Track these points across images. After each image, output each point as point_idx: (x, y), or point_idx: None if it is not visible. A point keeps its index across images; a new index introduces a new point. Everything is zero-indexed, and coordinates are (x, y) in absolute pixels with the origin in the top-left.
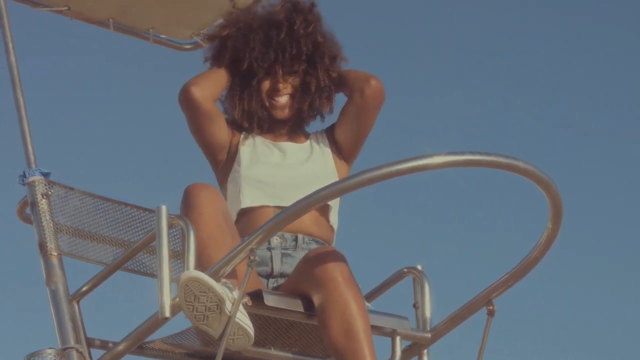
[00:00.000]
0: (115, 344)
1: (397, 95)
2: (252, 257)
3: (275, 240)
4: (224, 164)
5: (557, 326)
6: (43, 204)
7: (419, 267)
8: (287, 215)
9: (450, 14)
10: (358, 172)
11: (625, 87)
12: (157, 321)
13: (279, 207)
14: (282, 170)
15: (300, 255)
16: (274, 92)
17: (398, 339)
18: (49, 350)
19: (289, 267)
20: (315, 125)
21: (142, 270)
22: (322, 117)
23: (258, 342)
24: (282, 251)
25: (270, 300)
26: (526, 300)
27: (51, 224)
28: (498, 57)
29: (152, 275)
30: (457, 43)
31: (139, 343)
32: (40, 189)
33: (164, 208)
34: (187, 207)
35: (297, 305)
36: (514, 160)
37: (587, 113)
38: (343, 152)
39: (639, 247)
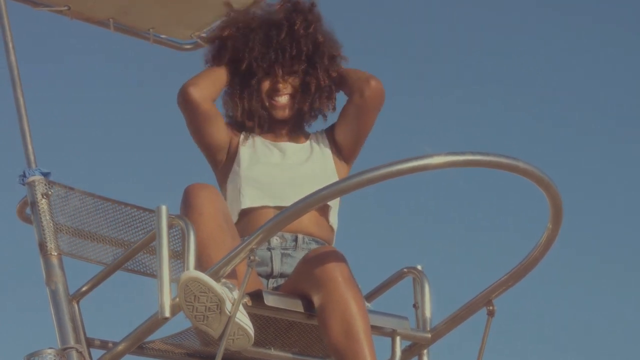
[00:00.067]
0: (115, 344)
1: (397, 95)
2: (252, 257)
3: (275, 241)
4: (223, 165)
5: (557, 326)
6: (43, 204)
7: (419, 267)
8: (287, 216)
9: (450, 14)
10: (358, 172)
11: (625, 87)
12: (157, 321)
13: (279, 208)
14: (282, 170)
15: (300, 255)
16: (273, 92)
17: (398, 339)
18: (49, 350)
19: (289, 267)
20: (318, 125)
21: (142, 270)
22: (325, 116)
23: (258, 342)
24: (282, 251)
25: (270, 300)
26: (526, 301)
27: (51, 224)
28: (498, 57)
29: (152, 275)
30: (457, 43)
31: (139, 343)
32: (40, 189)
33: (164, 208)
34: (187, 207)
35: (297, 306)
36: (514, 161)
37: (587, 113)
38: (343, 152)
39: (638, 247)
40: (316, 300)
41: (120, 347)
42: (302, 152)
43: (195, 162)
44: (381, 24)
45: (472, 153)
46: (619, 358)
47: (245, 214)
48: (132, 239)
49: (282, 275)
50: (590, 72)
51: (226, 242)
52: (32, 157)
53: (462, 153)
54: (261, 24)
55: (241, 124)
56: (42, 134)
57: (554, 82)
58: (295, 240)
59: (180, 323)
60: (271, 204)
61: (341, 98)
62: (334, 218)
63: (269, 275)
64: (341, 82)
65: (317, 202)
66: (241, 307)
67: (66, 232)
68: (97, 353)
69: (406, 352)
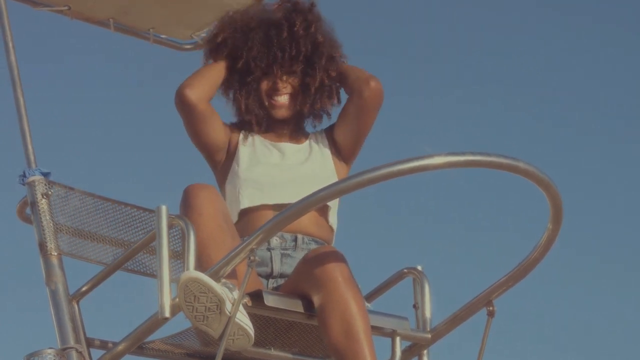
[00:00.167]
0: (115, 344)
1: (397, 95)
2: (252, 258)
3: (274, 241)
4: (223, 164)
5: (557, 326)
6: (43, 203)
7: (419, 268)
8: (287, 216)
9: (450, 14)
10: (358, 172)
11: (625, 87)
12: (157, 321)
13: (278, 208)
14: (281, 171)
15: (299, 255)
16: (273, 91)
17: (398, 339)
18: (49, 350)
19: (289, 267)
20: (323, 123)
21: (142, 270)
22: (329, 115)
23: (258, 343)
24: (282, 251)
25: (270, 300)
26: (526, 301)
27: (51, 224)
28: (498, 57)
29: (152, 275)
30: (457, 43)
31: (139, 343)
32: (40, 188)
33: (164, 208)
34: (187, 207)
35: (297, 306)
36: (515, 161)
37: (587, 113)
38: (342, 152)
39: (638, 247)
40: (316, 300)
41: (120, 347)
42: (301, 153)
43: (195, 162)
44: (381, 24)
45: (473, 153)
46: (619, 358)
47: (245, 214)
48: (132, 239)
49: (282, 276)
50: (590, 72)
51: (226, 242)
52: (32, 157)
53: (463, 153)
54: (260, 23)
55: (240, 123)
56: (42, 134)
57: (554, 82)
58: (295, 240)
59: (180, 323)
60: (270, 205)
61: (341, 96)
62: (333, 218)
63: (268, 276)
64: (341, 80)
65: (317, 202)
66: (241, 307)
67: (66, 232)
68: (97, 353)
69: (406, 352)
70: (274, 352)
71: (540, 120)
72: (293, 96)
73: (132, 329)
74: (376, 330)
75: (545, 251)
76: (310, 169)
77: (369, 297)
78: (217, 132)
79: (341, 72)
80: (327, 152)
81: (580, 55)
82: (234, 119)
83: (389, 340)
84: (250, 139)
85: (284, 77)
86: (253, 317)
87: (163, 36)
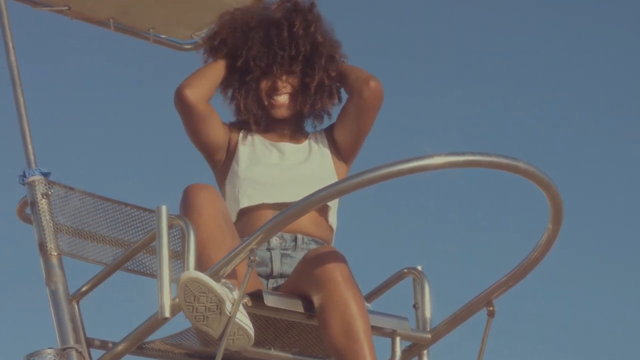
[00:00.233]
0: (115, 344)
1: (397, 95)
2: (252, 258)
3: (274, 241)
4: (222, 164)
5: (557, 326)
6: (43, 203)
7: (419, 268)
8: (287, 216)
9: (450, 14)
10: (358, 172)
11: (625, 87)
12: (157, 321)
13: (277, 208)
14: (281, 170)
15: (299, 255)
16: (273, 90)
17: (398, 339)
18: (49, 350)
19: (289, 267)
20: (323, 124)
21: (142, 270)
22: (329, 115)
23: (258, 343)
24: (282, 252)
25: (270, 300)
26: (526, 301)
27: (51, 224)
28: (498, 57)
29: (152, 276)
30: (457, 43)
31: (139, 343)
32: (40, 188)
33: (164, 208)
34: (187, 207)
35: (297, 306)
36: (515, 161)
37: (587, 113)
38: (342, 152)
39: (638, 247)
40: (316, 300)
41: (120, 347)
42: (301, 152)
43: (195, 162)
44: (381, 24)
45: (473, 153)
46: (619, 358)
47: (244, 213)
48: (132, 239)
49: (282, 276)
50: (590, 72)
51: (226, 242)
52: (32, 157)
53: (463, 153)
54: (260, 22)
55: (240, 122)
56: (42, 134)
57: (554, 82)
58: (295, 240)
59: (180, 323)
60: (270, 204)
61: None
62: (333, 218)
63: (268, 276)
64: (341, 80)
65: (317, 202)
66: (241, 307)
67: (66, 232)
68: (97, 353)
69: (406, 352)
70: (274, 352)
71: (540, 120)
72: (293, 96)
73: (132, 329)
74: (376, 330)
75: (546, 251)
76: (309, 168)
77: (369, 297)
78: (217, 132)
79: (341, 72)
80: (326, 152)
81: (580, 55)
82: (234, 119)
83: (389, 340)
84: (249, 138)
85: (284, 77)
86: (253, 317)
87: (163, 36)
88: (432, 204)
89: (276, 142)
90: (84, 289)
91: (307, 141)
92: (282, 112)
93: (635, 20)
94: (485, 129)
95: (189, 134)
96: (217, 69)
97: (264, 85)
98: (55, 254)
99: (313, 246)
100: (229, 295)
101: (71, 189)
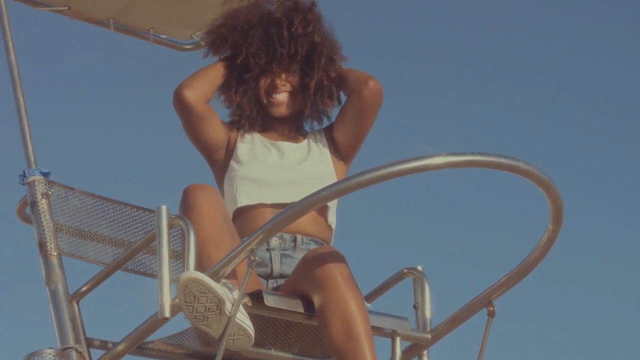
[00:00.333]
0: (115, 344)
1: (397, 95)
2: (252, 258)
3: (274, 241)
4: (221, 163)
5: (557, 326)
6: (43, 203)
7: (419, 268)
8: (287, 216)
9: (450, 14)
10: (358, 172)
11: (625, 87)
12: (157, 321)
13: (276, 207)
14: (279, 170)
15: (299, 255)
16: (272, 89)
17: (398, 339)
18: (49, 350)
19: (289, 267)
20: (322, 125)
21: (142, 270)
22: (329, 117)
23: (258, 343)
24: (282, 252)
25: (270, 300)
26: (526, 301)
27: (51, 224)
28: (498, 57)
29: (152, 276)
30: (457, 43)
31: (139, 343)
32: (40, 188)
33: (164, 208)
34: (187, 208)
35: (297, 306)
36: (515, 161)
37: (587, 113)
38: (341, 152)
39: (638, 247)
40: (316, 300)
41: (120, 347)
42: (300, 152)
43: (195, 162)
44: (381, 24)
45: (473, 153)
46: (619, 358)
47: (242, 212)
48: (132, 239)
49: (281, 276)
50: (590, 72)
51: (226, 242)
52: (32, 157)
53: (463, 153)
54: (261, 20)
55: (237, 119)
56: (42, 134)
57: (554, 82)
58: (294, 240)
59: (180, 323)
60: (269, 204)
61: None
62: (332, 217)
63: (268, 276)
64: (340, 82)
65: (317, 202)
66: (241, 308)
67: (66, 232)
68: (97, 353)
69: (406, 352)
70: (274, 352)
71: (540, 120)
72: (292, 95)
73: (132, 329)
74: (376, 330)
75: (546, 251)
76: (309, 168)
77: (369, 297)
78: (216, 132)
79: (340, 73)
80: (326, 151)
81: (580, 55)
82: (232, 117)
83: (389, 340)
84: (248, 137)
85: (283, 75)
86: (253, 317)
87: (163, 36)
88: (432, 204)
89: (275, 141)
90: (84, 289)
91: (306, 140)
92: (281, 111)
93: (635, 20)
94: (485, 129)
95: (188, 134)
96: (217, 70)
97: (263, 83)
98: (55, 254)
99: (312, 246)
100: (229, 295)
101: (71, 189)
